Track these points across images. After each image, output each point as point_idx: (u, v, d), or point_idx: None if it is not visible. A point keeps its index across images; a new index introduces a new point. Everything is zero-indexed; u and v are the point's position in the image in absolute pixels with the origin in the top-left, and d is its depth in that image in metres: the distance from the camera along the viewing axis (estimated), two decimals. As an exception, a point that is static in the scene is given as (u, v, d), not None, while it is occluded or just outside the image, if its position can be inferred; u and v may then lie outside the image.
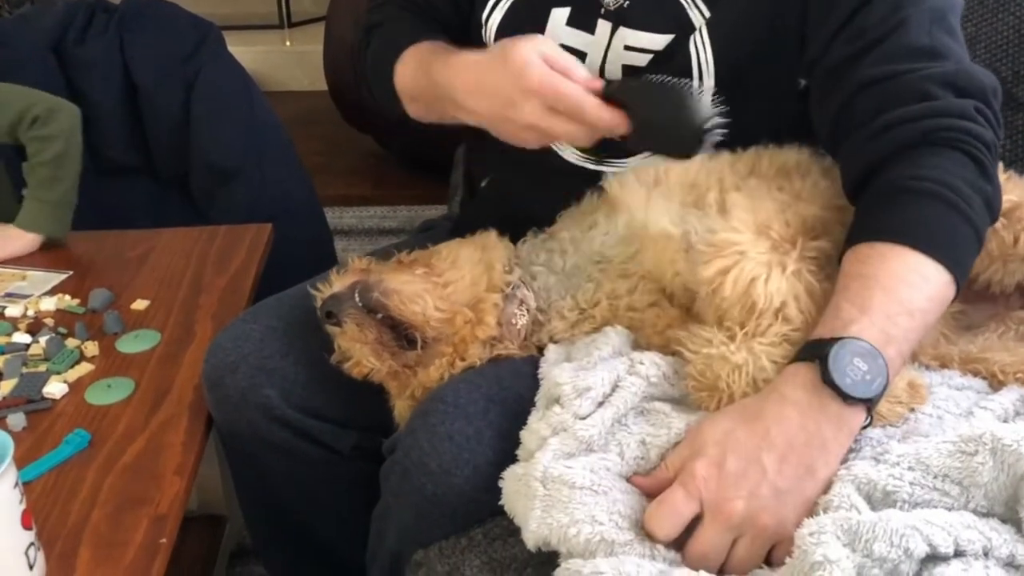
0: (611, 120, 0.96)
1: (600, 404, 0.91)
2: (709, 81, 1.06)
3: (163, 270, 1.51)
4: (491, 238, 1.12)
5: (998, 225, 1.00)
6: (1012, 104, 1.27)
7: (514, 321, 1.06)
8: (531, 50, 0.96)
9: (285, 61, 3.57)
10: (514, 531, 0.90)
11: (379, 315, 1.03)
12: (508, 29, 1.14)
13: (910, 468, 0.80)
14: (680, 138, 0.94)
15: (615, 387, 0.93)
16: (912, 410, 0.90)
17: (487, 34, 1.16)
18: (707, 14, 1.04)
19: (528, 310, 1.07)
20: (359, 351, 1.04)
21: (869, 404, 0.83)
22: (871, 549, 0.73)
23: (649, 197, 1.04)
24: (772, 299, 0.91)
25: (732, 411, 0.86)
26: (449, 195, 1.71)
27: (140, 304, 1.42)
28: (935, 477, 0.80)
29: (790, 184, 1.03)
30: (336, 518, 1.28)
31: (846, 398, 0.81)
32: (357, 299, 1.03)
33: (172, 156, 2.02)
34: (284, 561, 1.37)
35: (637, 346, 1.01)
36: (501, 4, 1.15)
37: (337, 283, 1.06)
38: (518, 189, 1.19)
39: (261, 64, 3.38)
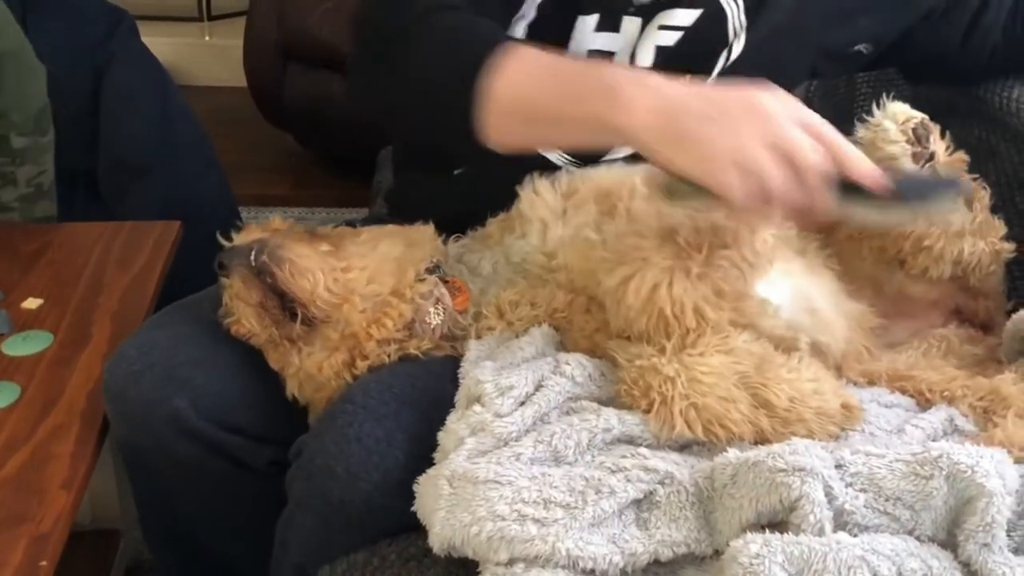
0: (873, 172, 0.82)
1: (522, 404, 0.88)
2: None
3: (59, 267, 1.42)
4: (422, 233, 1.08)
5: None
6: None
7: (428, 320, 1.03)
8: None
9: (204, 55, 3.47)
10: (430, 551, 0.85)
11: (268, 279, 1.00)
12: None
13: (863, 490, 0.78)
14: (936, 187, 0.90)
15: (539, 386, 0.90)
16: (843, 430, 0.88)
17: None
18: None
19: (444, 309, 1.03)
20: (241, 310, 1.02)
21: None
22: (818, 580, 0.70)
23: (563, 207, 1.02)
24: (680, 304, 0.88)
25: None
26: (372, 196, 1.66)
27: (32, 303, 1.34)
28: (887, 500, 0.77)
29: None
30: (246, 537, 1.20)
31: None
32: (252, 257, 1.00)
33: (78, 149, 1.92)
34: (185, 581, 1.29)
35: (563, 348, 0.98)
36: (519, 26, 1.07)
37: (242, 236, 1.04)
38: (491, 184, 1.10)
39: (179, 57, 3.28)
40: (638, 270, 0.88)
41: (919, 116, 1.03)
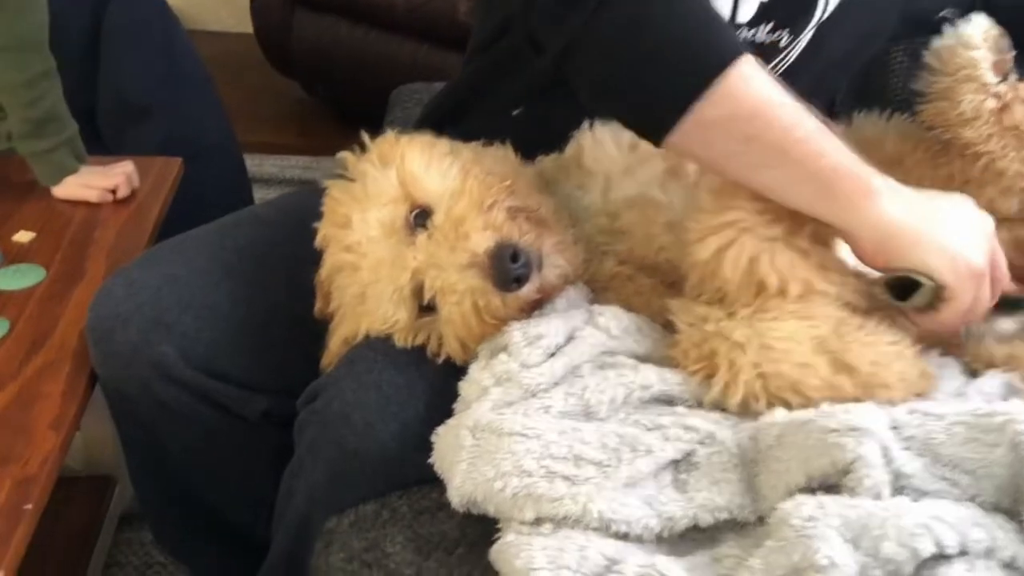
0: None
1: (552, 355, 0.81)
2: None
3: (54, 200, 1.35)
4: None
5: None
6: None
7: None
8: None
9: (209, -1, 3.38)
10: (444, 504, 0.79)
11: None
12: None
13: (920, 454, 0.71)
14: None
15: (570, 338, 0.82)
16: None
17: None
18: None
19: None
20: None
21: None
22: (878, 548, 0.63)
23: (627, 163, 0.94)
24: (785, 277, 0.79)
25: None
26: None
27: (23, 236, 1.27)
28: (944, 466, 0.71)
29: None
30: (238, 487, 1.15)
31: None
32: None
33: (78, 88, 1.82)
34: (176, 531, 1.24)
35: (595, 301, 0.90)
36: None
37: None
38: (548, 126, 1.03)
39: (184, 0, 3.19)
40: (733, 240, 0.79)
41: (1000, 29, 0.96)
